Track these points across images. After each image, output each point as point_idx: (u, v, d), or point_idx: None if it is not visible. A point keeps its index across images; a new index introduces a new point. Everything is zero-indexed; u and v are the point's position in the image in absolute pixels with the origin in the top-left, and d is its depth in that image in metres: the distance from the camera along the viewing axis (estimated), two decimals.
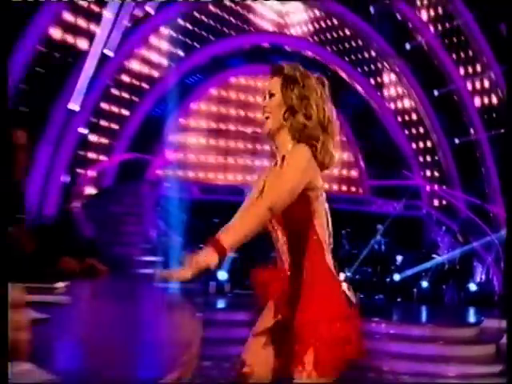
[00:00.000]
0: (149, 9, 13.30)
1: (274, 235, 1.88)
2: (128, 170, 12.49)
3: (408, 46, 14.27)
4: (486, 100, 13.99)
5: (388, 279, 11.92)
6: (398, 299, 11.16)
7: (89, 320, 1.93)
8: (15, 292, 1.55)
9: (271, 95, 1.82)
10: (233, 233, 1.60)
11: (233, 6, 16.75)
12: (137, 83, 13.32)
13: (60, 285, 2.51)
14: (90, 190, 12.29)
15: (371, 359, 5.44)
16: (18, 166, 2.81)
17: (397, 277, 11.73)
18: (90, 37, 12.06)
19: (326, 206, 1.84)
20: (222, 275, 9.84)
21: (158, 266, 10.54)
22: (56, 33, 11.83)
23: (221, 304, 9.14)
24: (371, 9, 14.75)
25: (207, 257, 1.44)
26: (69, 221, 10.73)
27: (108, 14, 12.09)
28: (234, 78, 15.57)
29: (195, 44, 15.07)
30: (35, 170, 10.84)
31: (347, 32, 16.14)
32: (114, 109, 12.93)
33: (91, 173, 12.37)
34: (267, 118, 1.84)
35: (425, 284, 11.49)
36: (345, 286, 1.82)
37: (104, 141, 12.82)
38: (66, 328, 1.60)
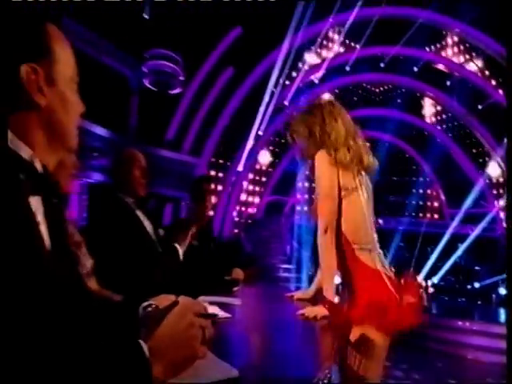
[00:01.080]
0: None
1: None
2: (272, 207, 13.10)
3: (479, 106, 13.84)
4: None
5: (469, 286, 11.88)
6: (479, 302, 10.90)
7: (255, 316, 1.76)
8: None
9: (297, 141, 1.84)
10: (325, 281, 1.54)
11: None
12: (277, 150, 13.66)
13: (235, 289, 2.42)
14: (249, 221, 12.77)
15: (458, 350, 5.61)
16: (208, 206, 2.82)
17: (477, 284, 11.71)
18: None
19: (364, 207, 1.66)
20: None
21: (292, 271, 11.60)
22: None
23: None
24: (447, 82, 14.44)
25: (319, 309, 1.47)
26: (237, 242, 11.51)
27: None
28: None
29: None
30: (218, 208, 11.76)
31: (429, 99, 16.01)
32: (263, 168, 13.60)
33: (250, 210, 13.12)
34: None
35: (502, 291, 10.87)
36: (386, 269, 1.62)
37: (257, 189, 13.37)
38: (242, 324, 1.49)
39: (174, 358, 0.67)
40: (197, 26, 10.23)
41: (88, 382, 0.57)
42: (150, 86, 11.00)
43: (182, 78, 11.17)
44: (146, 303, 0.92)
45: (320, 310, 1.47)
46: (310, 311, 1.49)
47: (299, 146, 1.87)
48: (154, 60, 10.75)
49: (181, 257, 1.98)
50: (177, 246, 2.06)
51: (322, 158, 1.66)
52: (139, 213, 2.15)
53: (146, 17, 10.51)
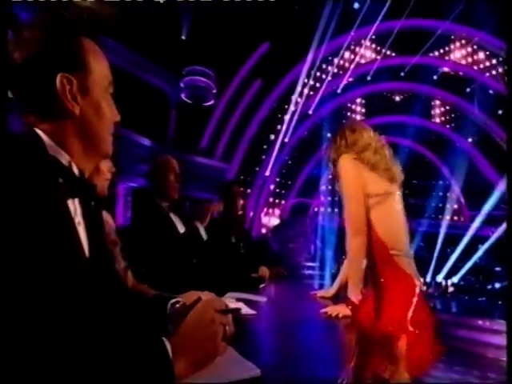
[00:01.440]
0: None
1: None
2: (297, 208, 12.85)
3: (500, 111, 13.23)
4: None
5: (490, 286, 11.32)
6: (499, 302, 10.38)
7: (279, 314, 1.68)
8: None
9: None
10: (352, 285, 1.45)
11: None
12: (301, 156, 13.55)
13: (261, 286, 2.36)
14: (276, 221, 12.68)
15: (477, 348, 5.29)
16: (237, 208, 2.98)
17: (497, 284, 11.05)
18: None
19: (401, 213, 1.58)
20: None
21: (315, 269, 11.29)
22: None
23: None
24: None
25: (342, 308, 1.41)
26: (265, 241, 11.30)
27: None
28: None
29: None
30: (247, 210, 11.56)
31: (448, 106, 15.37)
32: (290, 172, 13.48)
33: (277, 211, 13.00)
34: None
35: None
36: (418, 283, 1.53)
37: (283, 191, 13.31)
38: (267, 321, 1.43)
39: (196, 354, 0.64)
40: (228, 43, 10.44)
41: (112, 376, 0.55)
42: (186, 100, 11.28)
43: (214, 91, 11.40)
44: (173, 300, 0.92)
45: (342, 309, 1.42)
46: (333, 310, 1.43)
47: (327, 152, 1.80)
48: (190, 76, 11.04)
49: (203, 233, 2.01)
50: (197, 223, 2.03)
51: (345, 162, 1.60)
52: (172, 215, 2.15)
53: (183, 37, 10.83)
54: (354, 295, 1.45)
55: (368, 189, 1.54)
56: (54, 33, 0.72)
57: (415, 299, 1.46)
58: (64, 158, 0.73)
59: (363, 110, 15.07)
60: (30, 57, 0.69)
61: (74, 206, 0.73)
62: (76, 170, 0.74)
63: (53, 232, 0.61)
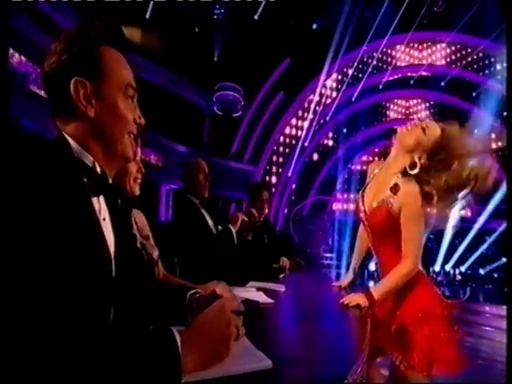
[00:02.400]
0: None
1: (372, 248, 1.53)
2: (316, 205, 12.74)
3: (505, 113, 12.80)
4: None
5: (496, 274, 10.80)
6: (505, 289, 9.88)
7: (298, 302, 1.56)
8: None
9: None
10: (383, 289, 1.31)
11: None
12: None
13: (281, 276, 2.24)
14: (297, 217, 12.45)
15: (485, 333, 5.00)
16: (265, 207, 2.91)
17: (501, 273, 10.43)
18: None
19: None
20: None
21: (333, 259, 11.34)
22: None
23: None
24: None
25: (361, 299, 1.26)
26: (287, 234, 11.29)
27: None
28: None
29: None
30: (272, 207, 11.10)
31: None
32: (310, 173, 13.15)
33: (298, 208, 12.65)
34: None
35: None
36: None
37: (304, 191, 12.97)
38: (285, 310, 1.32)
39: (207, 354, 0.58)
40: (254, 61, 10.56)
41: (121, 362, 0.50)
42: (218, 112, 11.45)
43: (242, 103, 11.53)
44: (192, 291, 0.85)
45: (359, 299, 1.27)
46: (350, 299, 1.28)
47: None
48: (221, 91, 11.22)
49: (234, 235, 2.01)
50: (231, 227, 2.08)
51: (418, 196, 1.34)
52: (203, 211, 2.13)
53: (215, 59, 11.06)
54: (379, 295, 1.29)
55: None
56: (72, 43, 0.69)
57: (429, 290, 1.38)
58: (88, 159, 0.70)
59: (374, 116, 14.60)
60: (53, 65, 0.68)
61: (99, 203, 0.70)
62: (99, 170, 0.71)
63: (75, 226, 0.59)
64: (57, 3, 6.37)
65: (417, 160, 1.35)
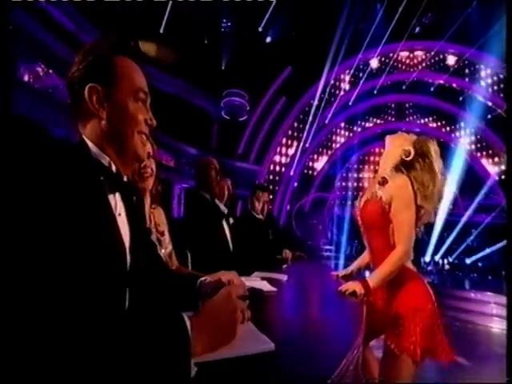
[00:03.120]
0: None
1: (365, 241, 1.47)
2: (317, 201, 12.65)
3: (489, 116, 12.41)
4: None
5: (480, 264, 10.55)
6: (489, 277, 9.71)
7: (299, 290, 1.53)
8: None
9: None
10: (378, 277, 1.27)
11: None
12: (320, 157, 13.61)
13: (283, 266, 2.20)
14: (298, 213, 12.38)
15: (482, 320, 4.84)
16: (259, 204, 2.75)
17: (487, 263, 10.31)
18: None
19: None
20: None
21: (332, 251, 11.22)
22: None
23: None
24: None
25: (357, 286, 1.23)
26: (290, 228, 11.46)
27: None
28: None
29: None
30: (275, 203, 11.55)
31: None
32: (310, 172, 13.29)
33: (299, 204, 12.61)
34: None
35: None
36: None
37: (305, 189, 12.99)
38: (287, 298, 1.29)
39: (214, 338, 0.57)
40: (258, 69, 10.54)
41: (134, 348, 0.49)
42: (225, 116, 11.43)
43: (248, 108, 11.51)
44: (202, 278, 0.84)
45: (355, 286, 1.23)
46: (347, 286, 1.25)
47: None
48: (228, 97, 11.21)
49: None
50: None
51: (408, 185, 1.31)
52: (214, 205, 2.10)
53: (223, 68, 11.06)
54: (374, 283, 1.26)
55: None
56: (88, 54, 0.70)
57: (422, 287, 1.34)
58: (104, 160, 0.70)
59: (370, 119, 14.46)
60: (74, 74, 0.69)
61: (115, 200, 0.69)
62: (114, 169, 0.71)
63: (93, 221, 0.59)
64: (79, 24, 6.49)
65: (410, 147, 1.36)
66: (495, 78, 12.88)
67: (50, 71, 5.91)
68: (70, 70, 0.70)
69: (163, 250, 1.30)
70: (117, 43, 0.72)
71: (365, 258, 1.59)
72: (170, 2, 8.39)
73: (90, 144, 0.69)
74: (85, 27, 6.49)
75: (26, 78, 5.48)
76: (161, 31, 9.21)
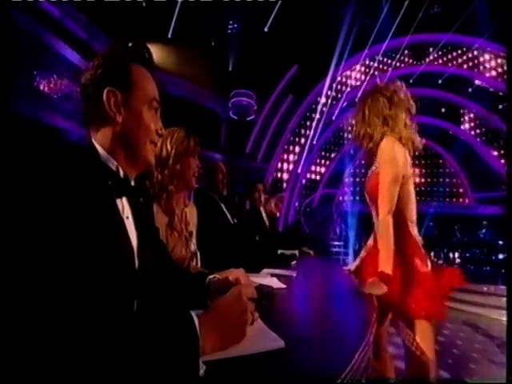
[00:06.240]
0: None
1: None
2: (325, 198, 12.56)
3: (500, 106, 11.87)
4: None
5: (494, 257, 10.11)
6: (503, 270, 9.29)
7: (307, 286, 1.49)
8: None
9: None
10: (384, 258, 1.21)
11: None
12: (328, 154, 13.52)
13: (292, 263, 2.15)
14: (307, 209, 12.35)
15: (481, 310, 4.80)
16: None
17: (501, 256, 9.85)
18: None
19: (412, 192, 1.35)
20: None
21: (340, 247, 10.98)
22: None
23: None
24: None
25: (379, 288, 1.16)
26: (298, 225, 11.41)
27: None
28: None
29: None
30: (284, 200, 11.37)
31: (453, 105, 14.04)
32: (318, 169, 13.21)
33: (307, 201, 12.54)
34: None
35: None
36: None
37: (313, 185, 12.95)
38: (297, 294, 1.25)
39: (224, 337, 0.56)
40: (265, 68, 10.48)
41: (144, 346, 0.49)
42: (233, 116, 11.43)
43: (255, 108, 11.47)
44: (212, 276, 0.84)
45: (378, 289, 1.16)
46: (369, 289, 1.16)
47: (358, 131, 1.41)
48: (236, 97, 11.19)
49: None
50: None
51: (391, 144, 1.29)
52: (222, 205, 2.16)
53: (230, 69, 11.00)
54: (389, 269, 1.19)
55: (404, 171, 1.31)
56: (107, 59, 0.71)
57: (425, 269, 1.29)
58: (112, 164, 0.70)
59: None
60: (89, 77, 0.70)
61: (122, 203, 0.70)
62: (122, 174, 0.71)
63: (101, 224, 0.60)
64: (91, 32, 6.59)
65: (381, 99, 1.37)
66: (505, 68, 12.51)
67: (55, 76, 5.98)
68: (84, 73, 0.70)
69: (184, 251, 1.29)
70: (133, 51, 0.74)
71: (370, 243, 1.55)
72: (178, 7, 8.48)
73: (99, 148, 0.69)
74: (97, 35, 6.57)
75: (35, 83, 5.52)
76: (169, 36, 9.29)
